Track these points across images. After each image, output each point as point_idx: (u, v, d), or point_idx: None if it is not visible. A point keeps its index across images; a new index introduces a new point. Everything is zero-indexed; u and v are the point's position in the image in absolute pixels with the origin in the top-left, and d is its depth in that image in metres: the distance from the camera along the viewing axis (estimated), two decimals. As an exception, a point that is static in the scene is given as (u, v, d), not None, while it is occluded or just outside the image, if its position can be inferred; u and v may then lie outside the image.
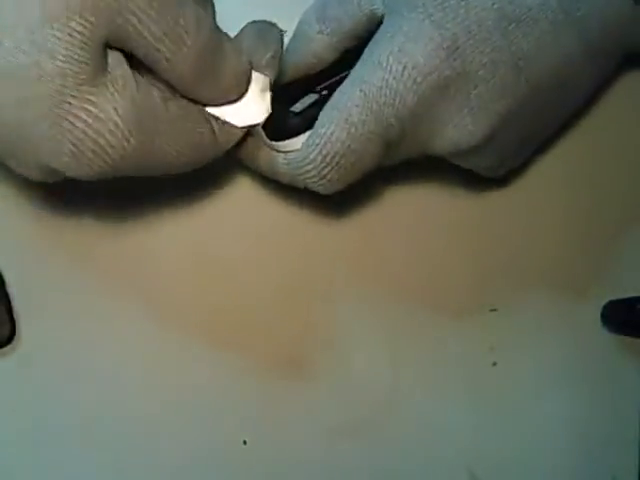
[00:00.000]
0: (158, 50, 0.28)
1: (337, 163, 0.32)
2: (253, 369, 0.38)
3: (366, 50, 0.33)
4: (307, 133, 0.33)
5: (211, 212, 0.38)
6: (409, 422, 0.38)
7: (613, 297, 0.38)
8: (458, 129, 0.32)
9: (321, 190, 0.33)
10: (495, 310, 0.38)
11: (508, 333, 0.38)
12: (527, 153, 0.37)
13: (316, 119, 0.33)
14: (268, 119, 0.33)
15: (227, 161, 0.37)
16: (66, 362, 0.37)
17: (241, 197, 0.38)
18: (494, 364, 0.38)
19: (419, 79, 0.31)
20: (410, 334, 0.38)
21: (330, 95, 0.33)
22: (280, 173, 0.34)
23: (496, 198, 0.39)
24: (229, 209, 0.38)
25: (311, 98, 0.35)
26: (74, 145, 0.27)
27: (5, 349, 0.37)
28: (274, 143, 0.34)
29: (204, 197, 0.38)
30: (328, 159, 0.32)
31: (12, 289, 0.37)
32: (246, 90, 0.32)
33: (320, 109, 0.33)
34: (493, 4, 0.31)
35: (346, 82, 0.32)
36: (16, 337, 0.37)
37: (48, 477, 0.37)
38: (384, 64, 0.31)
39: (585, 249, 0.39)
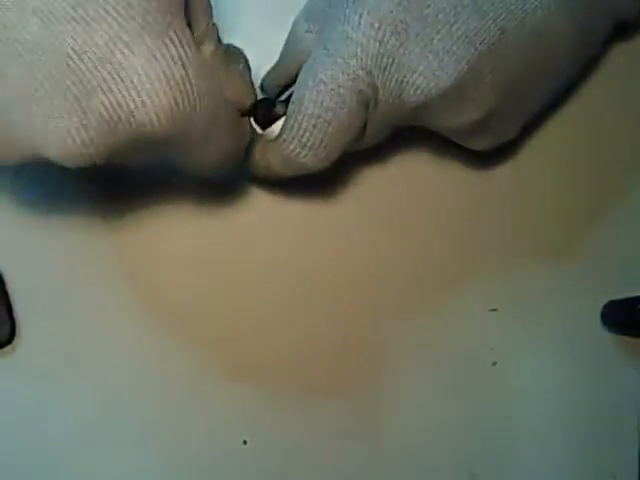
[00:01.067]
0: None
1: (315, 126, 0.32)
2: (253, 369, 0.38)
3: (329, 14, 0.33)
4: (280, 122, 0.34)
5: (210, 210, 0.38)
6: (409, 422, 0.38)
7: (613, 297, 0.38)
8: (426, 76, 0.32)
9: (310, 164, 0.33)
10: (495, 310, 0.38)
11: (508, 333, 0.38)
12: (514, 121, 0.36)
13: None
14: (257, 111, 0.34)
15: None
16: (66, 362, 0.37)
17: (239, 193, 0.38)
18: (494, 364, 0.38)
19: (376, 25, 0.31)
20: (410, 334, 0.38)
21: None
22: (272, 163, 0.34)
23: (496, 198, 0.39)
24: (229, 206, 0.38)
25: None
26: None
27: (5, 349, 0.37)
28: (263, 132, 0.35)
29: (203, 195, 0.38)
30: (305, 124, 0.32)
31: (12, 289, 0.37)
32: None
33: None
34: None
35: (314, 47, 0.33)
36: (16, 337, 0.37)
37: (48, 477, 0.37)
38: (341, 17, 0.32)
39: (585, 249, 0.39)
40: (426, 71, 0.32)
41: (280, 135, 0.34)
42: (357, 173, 0.39)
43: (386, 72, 0.32)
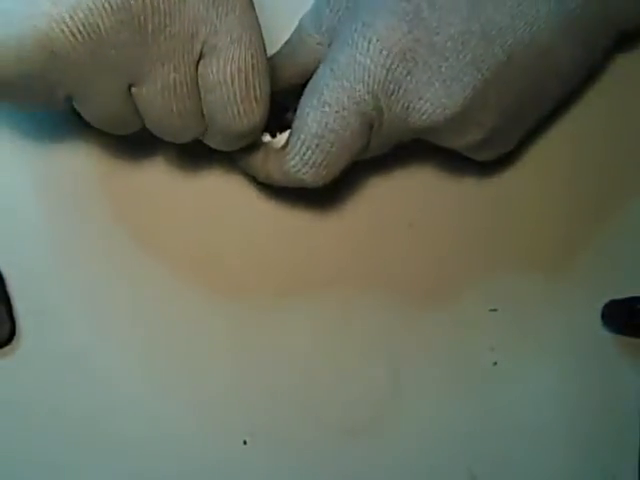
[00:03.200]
0: None
1: (317, 145, 0.32)
2: (253, 369, 0.38)
3: (338, 32, 0.33)
4: (286, 133, 0.34)
5: (209, 209, 0.38)
6: (409, 422, 0.38)
7: (613, 297, 0.38)
8: (432, 102, 0.32)
9: (310, 180, 0.33)
10: (495, 310, 0.38)
11: (508, 333, 0.38)
12: (517, 134, 0.36)
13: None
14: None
15: (224, 161, 0.37)
16: (66, 362, 0.37)
17: (239, 194, 0.38)
18: (494, 364, 0.38)
19: (385, 52, 0.31)
20: (410, 334, 0.38)
21: None
22: (272, 173, 0.34)
23: (496, 199, 0.39)
24: (226, 204, 0.38)
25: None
26: None
27: (5, 349, 0.37)
28: (269, 140, 0.34)
29: (200, 193, 0.38)
30: (307, 142, 0.32)
31: (12, 289, 0.37)
32: None
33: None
34: None
35: (320, 65, 0.33)
36: (16, 337, 0.37)
37: (48, 477, 0.37)
38: (349, 41, 0.32)
39: (585, 249, 0.39)
40: (433, 98, 0.32)
41: (283, 149, 0.34)
42: (359, 177, 0.38)
43: (392, 97, 0.32)
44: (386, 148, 0.35)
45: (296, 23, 0.36)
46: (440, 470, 0.38)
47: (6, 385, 0.37)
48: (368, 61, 0.31)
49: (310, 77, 0.35)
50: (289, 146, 0.33)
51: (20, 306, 0.37)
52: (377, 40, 0.31)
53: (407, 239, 0.38)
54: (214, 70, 0.30)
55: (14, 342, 0.37)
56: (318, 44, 0.35)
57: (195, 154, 0.37)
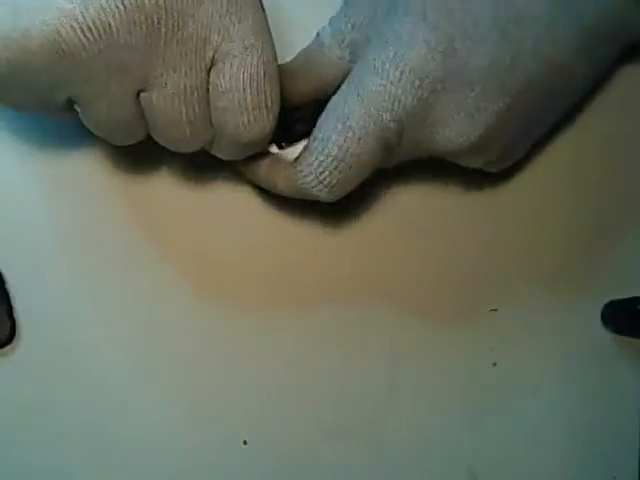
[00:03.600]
0: None
1: (336, 167, 0.32)
2: (253, 370, 0.38)
3: (363, 53, 0.33)
4: (300, 144, 0.34)
5: (212, 217, 0.38)
6: (409, 422, 0.38)
7: (613, 297, 0.38)
8: (456, 130, 0.32)
9: (320, 197, 0.33)
10: (495, 310, 0.38)
11: (508, 333, 0.38)
12: (529, 142, 0.37)
13: (310, 122, 0.33)
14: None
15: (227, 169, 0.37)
16: (66, 362, 0.37)
17: (242, 201, 0.38)
18: (494, 364, 0.38)
19: (417, 83, 0.31)
20: (410, 334, 0.38)
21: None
22: (279, 185, 0.34)
23: (496, 198, 0.39)
24: (230, 213, 0.38)
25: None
26: None
27: (5, 349, 0.37)
28: (276, 152, 0.34)
29: (205, 202, 0.38)
30: (326, 164, 0.32)
31: (12, 289, 0.37)
32: None
33: (315, 113, 0.33)
34: (491, 3, 0.31)
35: (344, 86, 0.32)
36: (16, 337, 0.37)
37: (48, 476, 0.37)
38: (380, 70, 0.31)
39: (585, 249, 0.39)
40: (457, 126, 0.32)
41: (296, 165, 0.33)
42: (362, 188, 0.38)
43: (416, 124, 0.32)
44: (399, 162, 0.35)
45: (307, 32, 0.36)
46: (440, 470, 0.38)
47: (6, 385, 0.37)
48: (399, 91, 0.31)
49: (325, 92, 0.34)
50: (305, 165, 0.33)
51: (20, 306, 0.37)
52: (410, 71, 0.31)
53: (408, 241, 0.38)
54: (226, 77, 0.30)
55: (14, 342, 0.37)
56: (339, 58, 0.34)
57: (200, 164, 0.37)
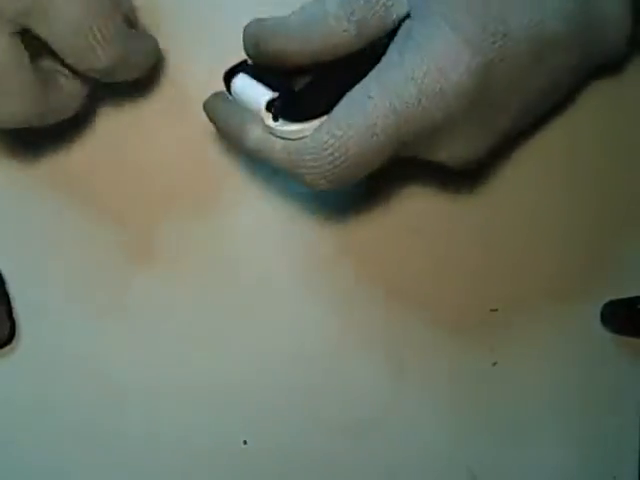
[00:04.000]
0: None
1: (346, 166, 0.31)
2: (253, 369, 0.38)
3: (394, 52, 0.31)
4: (314, 122, 0.31)
5: (216, 214, 0.38)
6: (409, 422, 0.38)
7: (613, 297, 0.38)
8: (466, 146, 0.33)
9: (312, 186, 0.32)
10: (495, 310, 0.38)
11: (508, 333, 0.38)
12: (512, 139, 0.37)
13: (320, 103, 0.31)
14: (275, 102, 0.32)
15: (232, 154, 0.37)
16: (66, 362, 0.37)
17: (243, 196, 0.38)
18: (494, 364, 0.38)
19: (452, 102, 0.30)
20: (410, 334, 0.38)
21: (331, 79, 0.32)
22: (275, 159, 0.32)
23: (496, 198, 0.39)
24: (232, 208, 0.38)
25: (307, 77, 0.33)
26: None
27: (5, 349, 0.37)
28: (276, 126, 0.32)
29: (208, 197, 0.38)
30: (338, 161, 0.31)
31: (12, 289, 0.37)
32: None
33: (323, 94, 0.32)
34: (530, 30, 0.31)
35: (372, 84, 0.31)
36: (16, 337, 0.37)
37: (48, 476, 0.37)
38: (419, 80, 0.30)
39: (585, 249, 0.39)
40: (468, 142, 0.32)
41: (302, 154, 0.31)
42: (363, 185, 0.38)
43: (435, 136, 0.32)
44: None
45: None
46: (440, 470, 0.38)
47: (6, 385, 0.37)
48: (433, 107, 0.30)
49: (321, 62, 0.32)
50: (315, 153, 0.31)
51: (20, 306, 0.37)
52: (448, 90, 0.30)
53: (408, 241, 0.38)
54: (51, 17, 0.30)
55: (14, 342, 0.37)
56: (344, 31, 0.32)
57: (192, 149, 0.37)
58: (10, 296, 0.37)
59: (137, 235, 0.38)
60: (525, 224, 0.39)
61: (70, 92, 0.34)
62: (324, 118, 0.31)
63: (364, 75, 0.32)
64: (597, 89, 0.39)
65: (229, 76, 0.34)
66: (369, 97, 0.31)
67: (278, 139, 0.32)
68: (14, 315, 0.37)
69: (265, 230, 0.38)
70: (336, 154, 0.31)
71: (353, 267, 0.38)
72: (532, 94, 0.33)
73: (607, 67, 0.37)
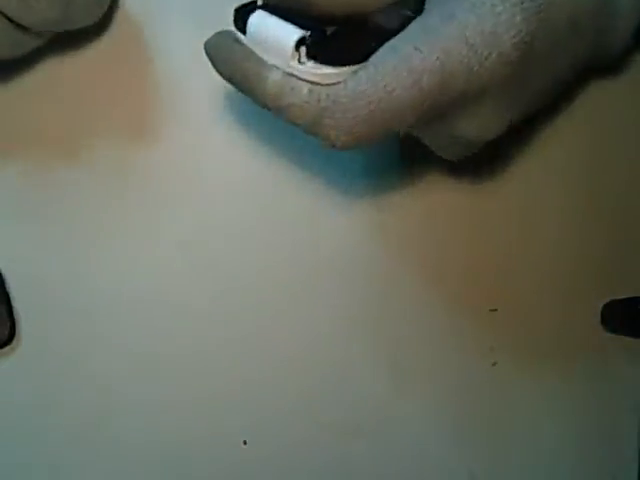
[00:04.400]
0: None
1: (381, 120, 0.28)
2: (253, 369, 0.38)
3: (441, 6, 0.29)
4: (350, 67, 0.29)
5: (213, 212, 0.38)
6: (409, 422, 0.38)
7: (613, 297, 0.38)
8: (487, 121, 0.31)
9: (334, 141, 0.29)
10: (495, 310, 0.38)
11: (508, 333, 0.38)
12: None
13: (358, 49, 0.29)
14: (304, 40, 0.28)
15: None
16: (66, 362, 0.37)
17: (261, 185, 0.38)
18: (494, 364, 0.38)
19: (498, 68, 0.29)
20: (410, 334, 0.38)
21: (359, 31, 0.29)
22: (298, 106, 0.29)
23: (496, 198, 0.39)
24: (240, 195, 0.38)
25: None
26: None
27: (5, 349, 0.37)
28: (305, 68, 0.29)
29: (219, 188, 0.38)
30: (374, 112, 0.28)
31: (12, 289, 0.37)
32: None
33: (359, 40, 0.29)
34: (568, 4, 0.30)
35: (418, 35, 0.29)
36: (16, 337, 0.37)
37: (48, 476, 0.37)
38: (471, 41, 0.28)
39: (585, 249, 0.39)
40: (493, 117, 0.31)
41: (333, 100, 0.28)
42: (364, 180, 0.39)
43: (468, 102, 0.30)
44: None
45: None
46: (440, 470, 0.38)
47: (6, 385, 0.37)
48: (482, 70, 0.29)
49: (357, 15, 0.30)
50: (347, 101, 0.28)
51: (20, 306, 0.37)
52: (498, 55, 0.29)
53: (406, 239, 0.38)
54: None
55: (14, 342, 0.37)
56: None
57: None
58: (10, 296, 0.37)
59: (137, 234, 0.38)
60: (525, 224, 0.39)
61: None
62: (358, 66, 0.29)
63: (393, 35, 0.29)
64: (597, 88, 0.39)
65: (241, 15, 0.31)
66: (416, 49, 0.28)
67: (304, 83, 0.29)
68: (14, 315, 0.37)
69: (262, 222, 0.38)
70: (372, 106, 0.28)
71: (351, 267, 0.38)
72: (551, 75, 0.32)
73: (608, 67, 0.37)
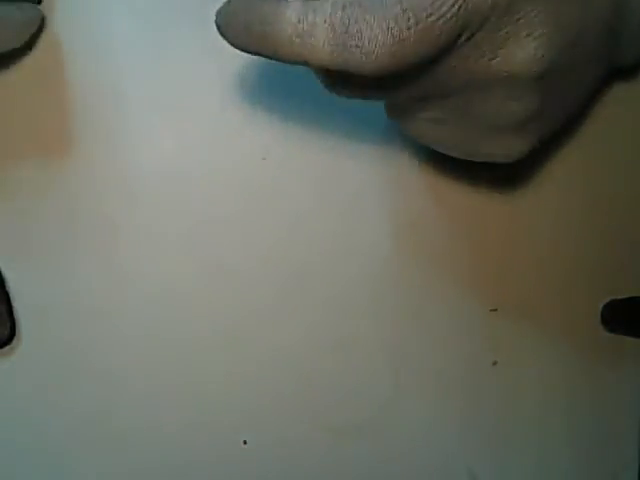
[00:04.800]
0: None
1: (413, 41, 0.27)
2: (253, 369, 0.38)
3: None
4: None
5: (212, 216, 0.38)
6: (409, 422, 0.38)
7: (613, 297, 0.38)
8: (526, 51, 0.29)
9: (360, 68, 0.27)
10: (495, 310, 0.38)
11: (508, 333, 0.38)
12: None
13: None
14: None
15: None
16: (66, 362, 0.37)
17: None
18: (494, 364, 0.38)
19: None
20: (410, 334, 0.38)
21: None
22: (321, 31, 0.27)
23: (496, 199, 0.39)
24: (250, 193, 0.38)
25: None
26: None
27: (5, 349, 0.37)
28: None
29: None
30: (411, 30, 0.27)
31: (12, 289, 0.37)
32: None
33: None
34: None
35: None
36: (16, 337, 0.37)
37: (48, 476, 0.37)
38: None
39: (585, 249, 0.39)
40: (531, 45, 0.29)
41: (363, 18, 0.27)
42: (364, 181, 0.38)
43: (494, 26, 0.28)
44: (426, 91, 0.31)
45: None
46: (440, 470, 0.38)
47: (6, 385, 0.37)
48: None
49: None
50: (381, 14, 0.26)
51: (20, 306, 0.37)
52: None
53: (406, 239, 0.38)
54: None
55: (14, 342, 0.37)
56: None
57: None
58: (10, 296, 0.37)
59: (137, 234, 0.38)
60: (525, 224, 0.39)
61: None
62: None
63: None
64: (616, 96, 0.38)
65: None
66: None
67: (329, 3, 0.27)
68: (14, 315, 0.37)
69: (260, 222, 0.38)
70: (407, 15, 0.27)
71: (351, 267, 0.38)
72: (577, 89, 0.32)
73: (625, 72, 0.37)
